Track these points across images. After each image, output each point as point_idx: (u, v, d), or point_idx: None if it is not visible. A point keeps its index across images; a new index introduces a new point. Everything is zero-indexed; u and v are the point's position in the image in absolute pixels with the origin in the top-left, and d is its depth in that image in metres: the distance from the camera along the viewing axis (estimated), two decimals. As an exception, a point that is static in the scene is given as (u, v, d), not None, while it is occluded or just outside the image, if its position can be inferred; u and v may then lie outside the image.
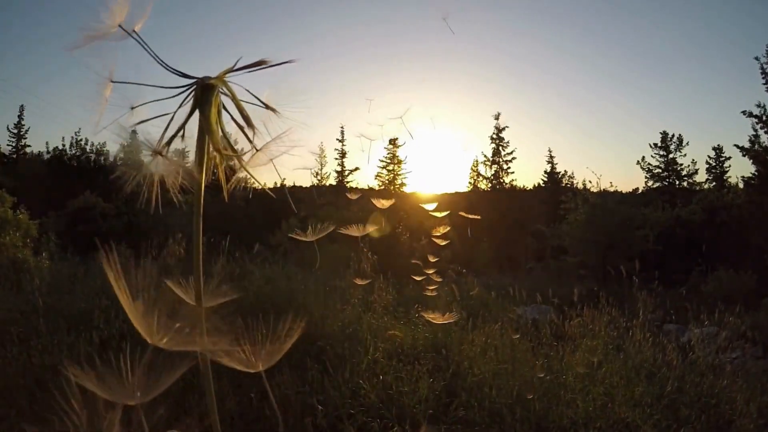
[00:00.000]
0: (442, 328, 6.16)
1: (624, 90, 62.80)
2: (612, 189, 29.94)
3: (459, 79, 70.31)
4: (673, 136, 39.78)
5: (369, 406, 4.71)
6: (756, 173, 21.67)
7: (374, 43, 69.27)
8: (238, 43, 69.50)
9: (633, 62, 63.06)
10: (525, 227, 33.43)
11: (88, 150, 40.71)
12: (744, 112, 21.46)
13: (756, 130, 21.52)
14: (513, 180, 39.12)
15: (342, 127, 43.81)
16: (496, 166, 39.08)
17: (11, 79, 64.32)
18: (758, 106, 21.30)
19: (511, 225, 34.07)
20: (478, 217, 5.30)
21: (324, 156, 43.66)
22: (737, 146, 21.98)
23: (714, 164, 40.20)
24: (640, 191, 39.79)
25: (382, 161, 41.94)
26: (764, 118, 21.20)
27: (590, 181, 31.56)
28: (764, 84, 21.30)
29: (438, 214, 5.25)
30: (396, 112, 3.71)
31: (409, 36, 67.46)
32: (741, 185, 29.18)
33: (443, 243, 5.15)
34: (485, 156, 39.55)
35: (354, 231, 5.91)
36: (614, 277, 7.54)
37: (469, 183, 40.88)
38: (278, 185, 32.61)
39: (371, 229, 5.94)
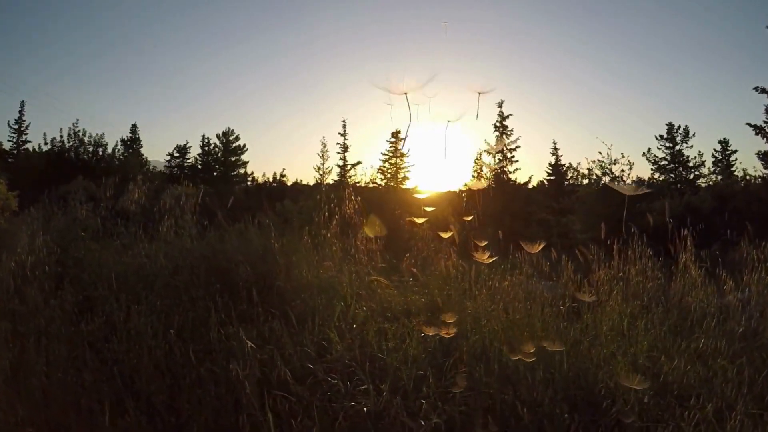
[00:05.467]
0: (441, 293, 5.22)
1: (628, 81, 61.76)
2: (623, 160, 29.16)
3: (462, 74, 69.43)
4: (679, 127, 39.18)
5: (337, 363, 3.72)
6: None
7: (374, 37, 68.34)
8: (238, 38, 68.92)
9: (636, 53, 62.08)
10: (530, 217, 32.55)
11: (86, 141, 40.50)
12: (756, 89, 20.52)
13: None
14: (517, 169, 38.20)
15: (344, 121, 43.08)
16: (499, 155, 38.14)
17: (13, 74, 63.88)
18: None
19: (516, 215, 33.15)
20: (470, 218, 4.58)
21: (326, 150, 42.92)
22: (749, 124, 21.01)
23: (720, 157, 39.60)
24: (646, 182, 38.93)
25: (385, 155, 41.18)
26: None
27: (600, 152, 30.78)
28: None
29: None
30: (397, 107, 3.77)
31: (411, 32, 66.44)
32: (751, 172, 28.44)
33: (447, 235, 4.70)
34: (488, 144, 38.60)
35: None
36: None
37: (473, 176, 39.89)
38: (278, 176, 32.66)
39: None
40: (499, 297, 4.58)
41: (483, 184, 5.20)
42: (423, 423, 3.09)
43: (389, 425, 3.16)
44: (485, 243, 4.43)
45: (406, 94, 3.72)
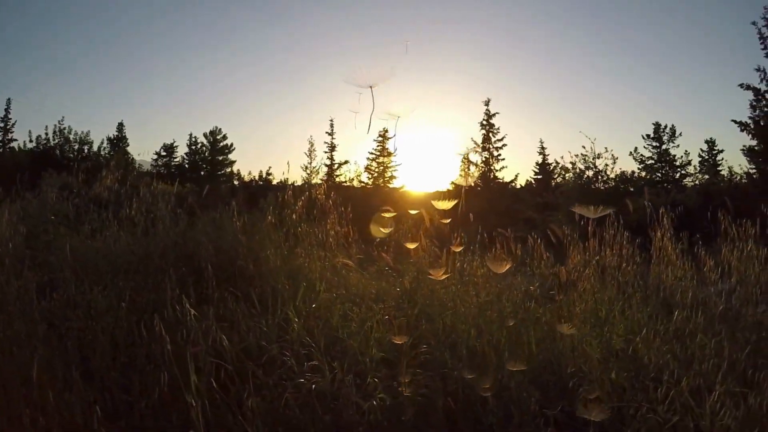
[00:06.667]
0: (413, 280, 5.00)
1: (616, 81, 61.79)
2: (607, 154, 29.25)
3: (448, 74, 69.36)
4: (665, 126, 39.39)
5: (294, 343, 3.56)
6: (760, 146, 20.55)
7: (360, 33, 68.14)
8: (228, 38, 68.59)
9: (623, 52, 62.13)
10: (516, 216, 32.53)
11: (71, 139, 40.22)
12: (741, 85, 20.42)
13: (757, 98, 20.32)
14: (503, 167, 38.22)
15: (331, 120, 42.82)
16: (486, 153, 38.14)
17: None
18: (757, 70, 20.16)
19: (503, 213, 33.08)
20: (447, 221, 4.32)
21: (313, 150, 42.68)
22: (734, 121, 20.87)
23: (707, 157, 39.87)
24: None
25: (372, 153, 41.06)
26: (765, 80, 20.05)
27: (584, 146, 30.89)
28: (763, 50, 20.17)
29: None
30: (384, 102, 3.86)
31: (409, 30, 66.25)
32: (737, 169, 28.49)
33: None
34: (475, 142, 38.58)
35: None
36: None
37: (460, 175, 39.78)
38: (263, 175, 32.31)
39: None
40: (467, 279, 4.43)
41: (448, 204, 4.91)
42: (375, 403, 2.94)
43: (342, 405, 3.02)
44: (460, 249, 4.29)
45: (371, 87, 3.66)
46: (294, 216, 5.41)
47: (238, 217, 5.49)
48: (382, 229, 4.73)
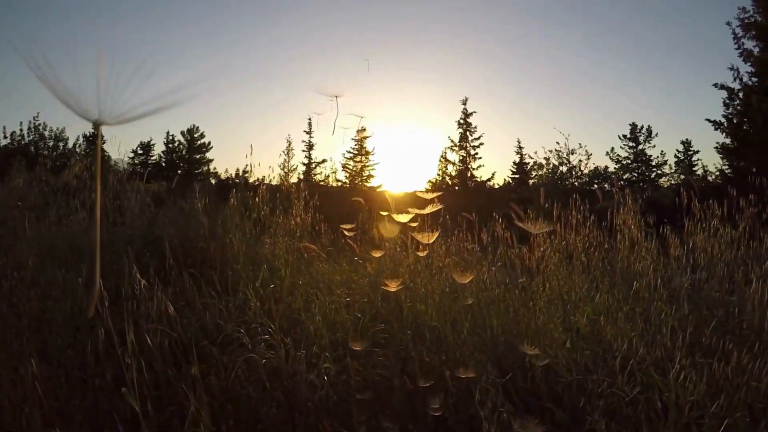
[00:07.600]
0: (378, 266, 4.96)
1: (592, 81, 62.16)
2: (581, 150, 29.68)
3: (426, 75, 69.47)
4: (642, 127, 40.02)
5: (252, 323, 3.53)
6: (733, 143, 20.78)
7: (339, 33, 67.98)
8: (208, 34, 68.00)
9: (600, 53, 62.51)
10: (494, 211, 32.69)
11: (46, 135, 39.82)
12: (716, 85, 20.65)
13: (731, 97, 20.53)
14: (480, 166, 38.42)
15: (309, 119, 42.62)
16: (463, 151, 38.32)
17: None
18: (731, 69, 20.39)
19: (481, 210, 33.12)
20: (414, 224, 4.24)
21: (291, 148, 42.46)
22: (709, 120, 21.10)
23: (683, 158, 40.47)
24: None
25: (350, 152, 40.98)
26: (738, 79, 20.29)
27: (557, 142, 31.34)
28: (737, 50, 20.38)
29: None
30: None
31: (381, 27, 66.18)
32: (712, 168, 28.89)
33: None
34: (452, 141, 38.74)
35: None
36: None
37: (438, 175, 39.91)
38: (240, 173, 31.77)
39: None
40: (431, 261, 4.40)
41: (406, 218, 4.80)
42: (326, 379, 2.91)
43: (294, 383, 2.98)
44: (425, 253, 4.23)
45: (336, 96, 3.66)
46: (257, 199, 5.37)
47: (200, 198, 5.46)
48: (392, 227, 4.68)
